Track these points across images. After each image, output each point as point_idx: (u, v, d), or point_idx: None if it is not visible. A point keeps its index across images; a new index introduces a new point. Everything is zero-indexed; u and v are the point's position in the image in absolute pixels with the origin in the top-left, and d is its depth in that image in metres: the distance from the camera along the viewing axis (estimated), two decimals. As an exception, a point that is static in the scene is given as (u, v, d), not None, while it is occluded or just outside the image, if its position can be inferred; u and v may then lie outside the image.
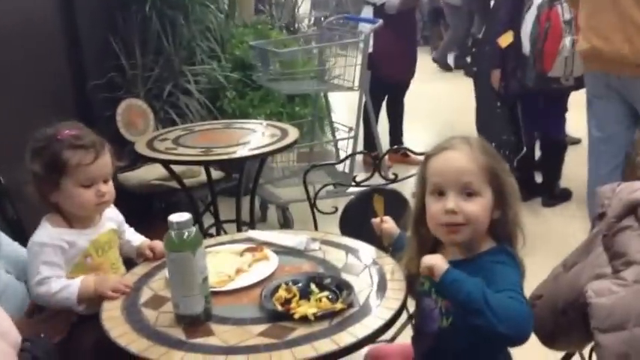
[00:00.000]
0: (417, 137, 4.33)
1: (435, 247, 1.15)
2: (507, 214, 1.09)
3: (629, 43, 2.03)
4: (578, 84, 2.71)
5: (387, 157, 3.27)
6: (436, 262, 1.02)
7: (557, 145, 3.04)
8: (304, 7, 5.00)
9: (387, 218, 1.33)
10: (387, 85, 3.64)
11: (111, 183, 1.34)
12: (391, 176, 1.62)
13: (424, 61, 6.72)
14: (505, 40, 2.88)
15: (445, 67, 6.67)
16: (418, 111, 4.79)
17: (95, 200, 1.30)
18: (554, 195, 3.08)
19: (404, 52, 3.63)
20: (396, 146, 1.66)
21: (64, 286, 1.25)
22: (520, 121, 3.06)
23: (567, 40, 2.63)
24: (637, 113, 2.17)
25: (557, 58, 2.66)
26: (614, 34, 2.07)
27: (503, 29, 2.91)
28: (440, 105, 5.32)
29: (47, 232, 1.29)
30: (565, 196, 3.11)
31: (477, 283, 0.98)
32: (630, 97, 2.15)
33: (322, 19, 4.61)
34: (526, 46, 2.77)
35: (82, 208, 1.31)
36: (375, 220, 1.33)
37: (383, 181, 1.65)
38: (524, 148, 3.06)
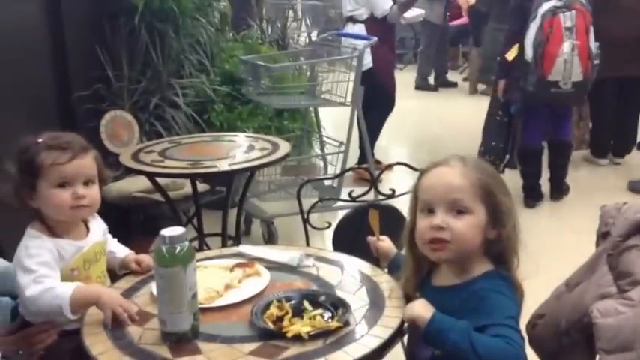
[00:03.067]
0: (409, 154, 4.37)
1: (431, 267, 1.12)
2: (502, 235, 1.05)
3: None
4: (577, 90, 2.99)
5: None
6: (419, 312, 0.99)
7: (566, 145, 3.34)
8: (295, 24, 5.04)
9: (384, 237, 1.29)
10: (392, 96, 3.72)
11: (96, 188, 1.28)
12: (388, 192, 1.58)
13: (414, 78, 6.82)
14: (512, 53, 3.13)
15: (429, 88, 6.71)
16: (407, 127, 4.85)
17: (70, 202, 1.23)
18: (562, 190, 3.39)
19: (393, 61, 3.83)
20: (396, 162, 1.63)
21: (58, 284, 1.17)
22: (514, 131, 3.35)
23: (567, 44, 2.89)
24: None
25: (557, 60, 2.89)
26: None
27: (509, 43, 3.17)
28: (431, 121, 5.40)
29: (41, 239, 1.23)
30: (566, 190, 3.44)
31: (464, 330, 0.94)
32: None
33: (315, 35, 4.64)
34: (529, 53, 2.99)
35: (57, 211, 1.24)
36: (372, 238, 1.29)
37: (377, 197, 1.61)
38: (508, 156, 3.38)
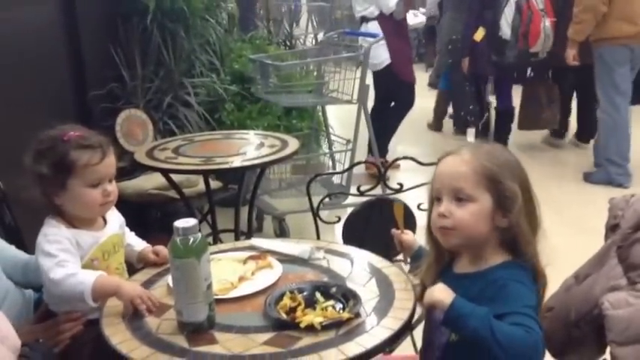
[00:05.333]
0: (416, 152, 4.38)
1: (453, 255, 1.13)
2: (512, 221, 1.05)
3: None
4: (549, 56, 3.87)
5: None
6: (439, 297, 0.99)
7: (509, 113, 4.19)
8: (303, 24, 5.06)
9: (407, 231, 1.30)
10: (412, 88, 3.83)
11: (114, 183, 1.31)
12: (396, 186, 1.60)
13: (419, 77, 6.81)
14: (479, 34, 3.90)
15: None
16: (415, 126, 4.87)
17: (101, 200, 1.27)
18: None
19: (411, 55, 4.04)
20: (403, 156, 1.64)
21: (81, 271, 1.20)
22: (483, 95, 4.23)
23: (547, 22, 3.79)
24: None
25: (541, 36, 3.78)
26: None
27: (472, 27, 3.93)
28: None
29: (59, 228, 1.25)
30: None
31: (483, 316, 0.94)
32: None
33: (321, 34, 4.67)
34: (507, 33, 3.83)
35: (87, 209, 1.28)
36: (396, 232, 1.30)
37: (385, 191, 1.63)
38: (486, 115, 4.22)
